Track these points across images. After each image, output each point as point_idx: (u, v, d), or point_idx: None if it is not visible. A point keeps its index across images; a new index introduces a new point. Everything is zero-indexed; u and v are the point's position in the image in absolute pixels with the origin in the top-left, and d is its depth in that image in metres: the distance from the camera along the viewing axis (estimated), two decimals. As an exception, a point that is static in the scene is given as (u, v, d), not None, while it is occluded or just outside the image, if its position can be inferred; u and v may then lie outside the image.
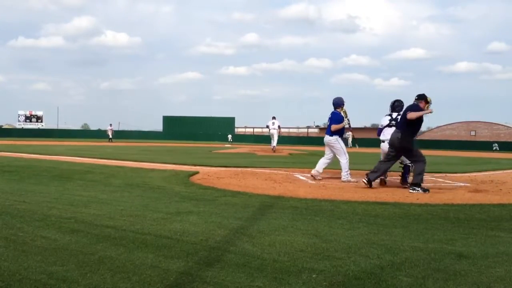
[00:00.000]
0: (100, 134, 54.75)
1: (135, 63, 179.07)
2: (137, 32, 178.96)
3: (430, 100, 8.93)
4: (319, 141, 49.64)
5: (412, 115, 8.51)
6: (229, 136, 53.35)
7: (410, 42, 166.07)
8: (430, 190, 8.56)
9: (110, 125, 51.16)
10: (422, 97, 8.88)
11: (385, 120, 9.71)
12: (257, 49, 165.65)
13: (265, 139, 44.86)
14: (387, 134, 9.40)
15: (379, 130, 9.87)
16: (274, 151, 24.37)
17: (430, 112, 8.60)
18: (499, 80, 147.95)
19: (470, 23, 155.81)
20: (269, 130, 25.86)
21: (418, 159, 8.81)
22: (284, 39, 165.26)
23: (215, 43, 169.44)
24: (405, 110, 8.90)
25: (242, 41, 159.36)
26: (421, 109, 8.63)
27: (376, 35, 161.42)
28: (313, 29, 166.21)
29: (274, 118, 25.69)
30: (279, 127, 25.85)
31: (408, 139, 8.77)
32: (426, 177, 9.71)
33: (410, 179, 9.25)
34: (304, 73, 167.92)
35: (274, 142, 25.14)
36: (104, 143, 38.44)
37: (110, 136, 48.46)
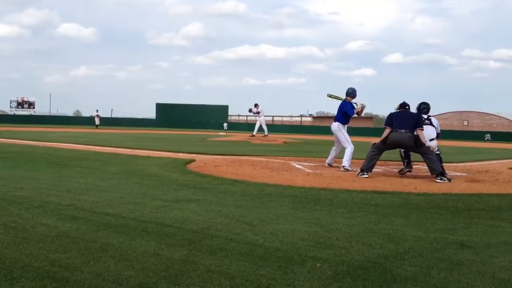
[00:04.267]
0: (92, 121, 54.15)
1: (129, 51, 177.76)
2: (137, 22, 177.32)
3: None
4: (313, 130, 49.78)
5: (421, 134, 9.18)
6: (225, 125, 53.12)
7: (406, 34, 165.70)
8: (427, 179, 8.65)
9: (97, 111, 50.32)
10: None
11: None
12: (250, 39, 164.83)
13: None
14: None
15: None
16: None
17: None
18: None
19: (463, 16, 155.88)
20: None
21: (431, 155, 9.14)
22: (281, 31, 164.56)
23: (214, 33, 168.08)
24: (416, 119, 9.39)
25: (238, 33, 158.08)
26: None
27: (364, 25, 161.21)
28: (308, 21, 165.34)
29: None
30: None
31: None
32: (423, 166, 9.77)
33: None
34: (296, 63, 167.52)
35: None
36: (92, 130, 37.90)
37: (97, 123, 47.50)
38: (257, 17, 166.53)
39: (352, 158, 10.45)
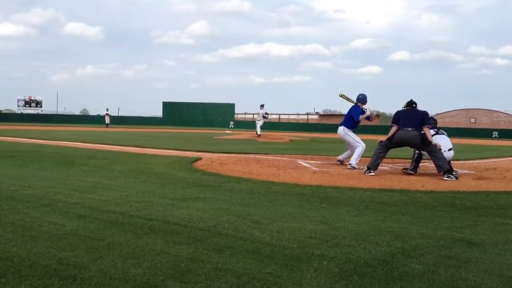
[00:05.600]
0: (99, 120, 54.41)
1: (135, 49, 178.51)
2: (142, 20, 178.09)
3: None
4: (319, 128, 49.74)
5: (428, 132, 9.11)
6: (231, 123, 53.32)
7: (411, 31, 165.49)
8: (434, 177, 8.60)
9: (107, 110, 50.83)
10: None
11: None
12: (256, 38, 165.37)
13: (264, 125, 44.93)
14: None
15: None
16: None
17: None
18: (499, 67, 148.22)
19: (469, 13, 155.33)
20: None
21: (437, 153, 9.09)
22: (286, 29, 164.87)
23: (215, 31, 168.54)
24: (423, 116, 9.35)
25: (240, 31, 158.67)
26: None
27: (370, 22, 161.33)
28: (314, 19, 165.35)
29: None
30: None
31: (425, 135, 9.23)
32: (430, 164, 9.73)
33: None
34: (302, 61, 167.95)
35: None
36: (100, 129, 38.19)
37: (108, 122, 47.97)
38: (262, 15, 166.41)
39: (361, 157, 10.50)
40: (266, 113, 27.15)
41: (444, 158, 8.98)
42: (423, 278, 3.26)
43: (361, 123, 11.35)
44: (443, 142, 9.44)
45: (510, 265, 3.58)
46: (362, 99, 11.06)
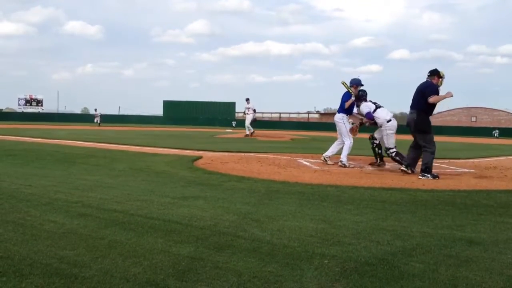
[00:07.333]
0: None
1: (135, 48, 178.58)
2: (142, 19, 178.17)
3: (443, 75, 8.77)
4: (320, 126, 49.66)
5: (434, 99, 8.42)
6: (233, 123, 53.35)
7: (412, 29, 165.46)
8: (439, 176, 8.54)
9: (95, 110, 50.14)
10: (435, 73, 8.71)
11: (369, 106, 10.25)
12: (255, 36, 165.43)
13: (265, 124, 44.94)
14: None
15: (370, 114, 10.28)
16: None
17: (451, 96, 8.55)
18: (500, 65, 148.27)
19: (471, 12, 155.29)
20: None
21: (428, 148, 8.69)
22: (286, 27, 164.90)
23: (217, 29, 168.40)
24: (421, 89, 8.66)
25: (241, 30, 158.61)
26: (436, 87, 8.57)
27: (370, 21, 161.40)
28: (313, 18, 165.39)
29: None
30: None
31: (426, 120, 8.75)
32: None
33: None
34: (302, 59, 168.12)
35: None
36: (103, 128, 38.26)
37: (98, 121, 46.80)
38: (262, 14, 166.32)
39: (355, 155, 10.44)
40: (247, 108, 25.79)
41: (431, 155, 8.58)
42: (424, 277, 3.26)
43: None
44: (382, 114, 9.67)
45: (510, 264, 3.59)
46: (352, 82, 10.58)
